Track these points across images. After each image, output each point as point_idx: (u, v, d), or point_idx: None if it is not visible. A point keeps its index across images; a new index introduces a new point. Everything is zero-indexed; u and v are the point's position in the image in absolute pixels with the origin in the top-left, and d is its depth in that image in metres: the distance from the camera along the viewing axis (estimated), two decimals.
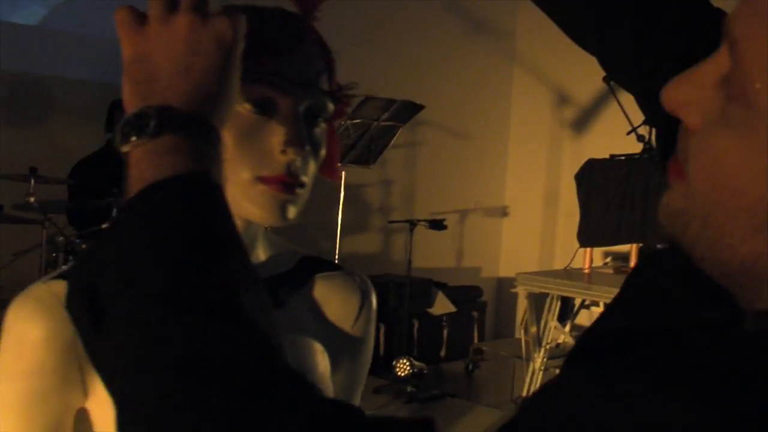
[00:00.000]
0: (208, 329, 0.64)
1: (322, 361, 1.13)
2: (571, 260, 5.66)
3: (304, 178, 1.00)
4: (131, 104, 0.77)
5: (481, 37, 7.64)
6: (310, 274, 1.18)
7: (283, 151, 0.97)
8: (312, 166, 1.03)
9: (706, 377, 0.54)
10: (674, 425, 0.51)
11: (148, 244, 0.68)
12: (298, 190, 1.00)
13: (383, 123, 4.35)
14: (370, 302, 1.22)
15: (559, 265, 6.89)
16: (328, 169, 1.11)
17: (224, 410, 0.59)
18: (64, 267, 1.06)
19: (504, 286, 8.01)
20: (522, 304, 7.68)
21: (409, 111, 4.44)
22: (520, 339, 6.63)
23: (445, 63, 7.35)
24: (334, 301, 1.18)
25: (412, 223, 6.18)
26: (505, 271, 8.09)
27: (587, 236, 5.40)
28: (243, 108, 0.97)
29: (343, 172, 4.67)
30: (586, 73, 7.19)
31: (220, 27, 0.81)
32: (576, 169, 5.68)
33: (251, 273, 0.73)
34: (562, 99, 7.62)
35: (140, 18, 0.81)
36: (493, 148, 8.02)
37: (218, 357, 0.62)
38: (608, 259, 6.15)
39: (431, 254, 7.06)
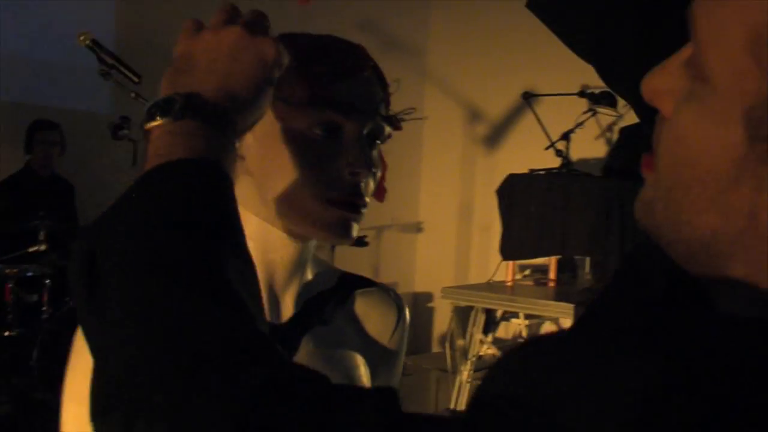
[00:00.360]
0: (187, 298, 0.66)
1: (365, 373, 1.18)
2: (494, 273, 5.75)
3: (367, 199, 1.04)
4: (165, 91, 0.83)
5: (392, 53, 7.71)
6: (350, 291, 1.22)
7: (351, 173, 1.02)
8: (371, 187, 1.06)
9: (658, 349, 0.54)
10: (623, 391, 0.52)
11: (147, 215, 0.72)
12: (363, 210, 1.04)
13: None
14: (404, 317, 1.28)
15: (474, 279, 6.98)
16: (377, 190, 1.14)
17: (188, 368, 0.62)
18: None
19: (420, 301, 8.07)
20: (440, 319, 7.77)
21: None
22: (439, 352, 6.70)
23: None
24: (373, 316, 1.24)
25: None
26: (420, 286, 8.14)
27: (509, 249, 5.49)
28: (312, 132, 1.01)
29: None
30: (497, 90, 7.39)
31: (264, 46, 0.87)
32: (490, 185, 5.79)
33: (245, 256, 0.76)
34: (475, 115, 7.74)
35: (201, 27, 0.89)
36: (407, 164, 8.07)
37: (191, 322, 0.65)
38: (527, 272, 6.27)
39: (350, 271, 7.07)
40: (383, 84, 1.09)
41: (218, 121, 0.81)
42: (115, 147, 4.64)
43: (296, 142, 1.02)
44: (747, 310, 0.60)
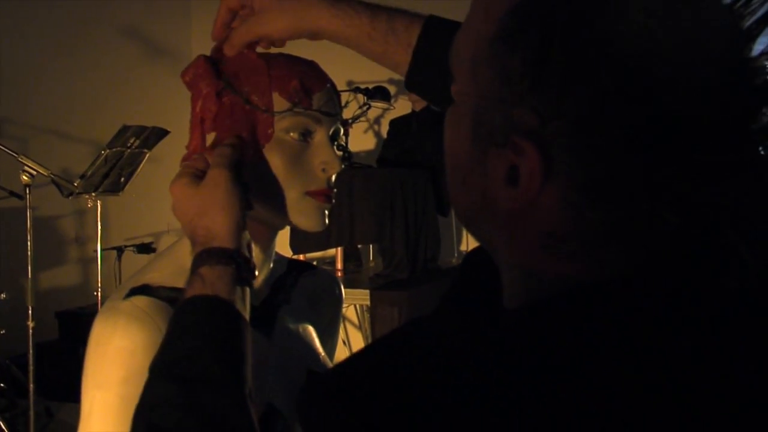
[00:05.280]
0: (179, 395, 0.91)
1: (319, 344, 1.37)
2: None
3: (335, 189, 1.22)
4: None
5: (158, 59, 7.69)
6: (299, 274, 1.41)
7: (324, 170, 1.21)
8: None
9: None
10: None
11: (172, 334, 0.99)
12: (333, 200, 1.22)
13: (134, 150, 4.36)
14: (341, 291, 1.50)
15: None
16: None
17: None
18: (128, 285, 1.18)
19: None
20: None
21: (156, 136, 4.48)
22: None
23: (128, 87, 7.31)
24: (319, 293, 1.44)
25: (120, 250, 6.13)
26: None
27: (300, 244, 5.63)
28: (290, 137, 1.19)
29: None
30: None
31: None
32: None
33: (238, 372, 0.97)
34: None
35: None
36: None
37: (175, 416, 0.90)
38: (315, 263, 6.43)
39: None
40: (338, 93, 1.27)
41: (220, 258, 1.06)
42: None
43: (276, 145, 1.19)
44: (508, 274, 0.74)
